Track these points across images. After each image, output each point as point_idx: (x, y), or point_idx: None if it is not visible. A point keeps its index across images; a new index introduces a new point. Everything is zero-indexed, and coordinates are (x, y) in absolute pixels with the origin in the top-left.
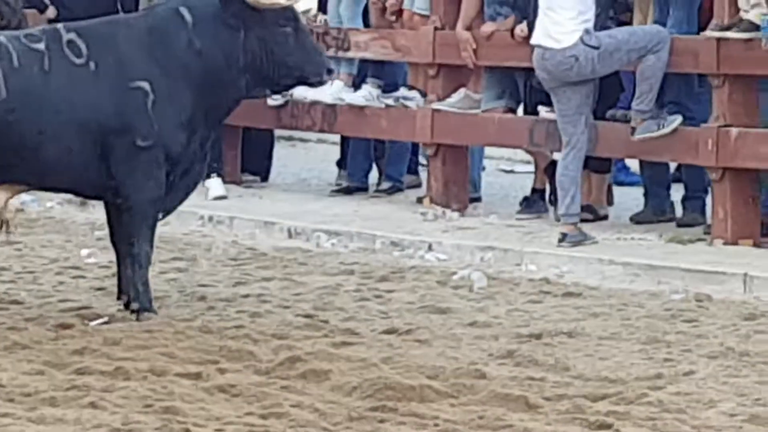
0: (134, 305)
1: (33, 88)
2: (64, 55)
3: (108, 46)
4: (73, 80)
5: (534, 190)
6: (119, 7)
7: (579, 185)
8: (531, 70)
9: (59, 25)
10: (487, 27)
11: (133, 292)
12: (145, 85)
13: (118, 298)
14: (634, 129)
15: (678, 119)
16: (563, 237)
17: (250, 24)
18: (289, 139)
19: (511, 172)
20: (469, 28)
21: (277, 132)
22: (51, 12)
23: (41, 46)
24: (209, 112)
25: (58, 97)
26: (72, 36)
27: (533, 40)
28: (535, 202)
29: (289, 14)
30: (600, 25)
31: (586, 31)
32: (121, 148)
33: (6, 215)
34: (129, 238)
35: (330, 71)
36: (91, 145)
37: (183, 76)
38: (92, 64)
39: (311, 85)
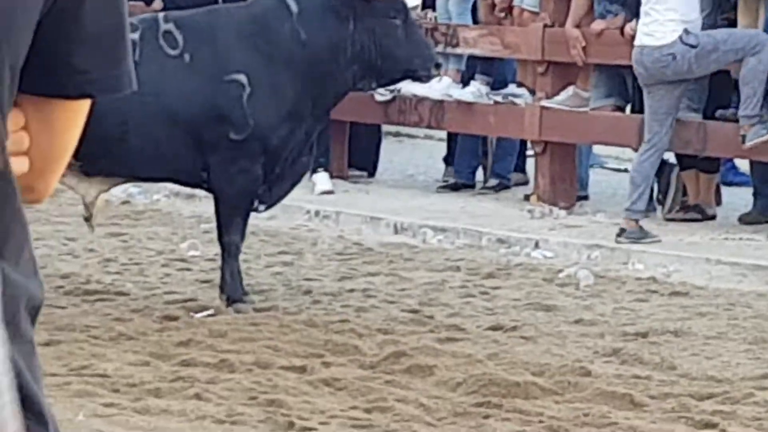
0: (222, 296)
1: None
2: (158, 46)
3: (205, 37)
4: (165, 72)
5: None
6: None
7: (650, 183)
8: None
9: (160, 15)
10: (597, 25)
11: (222, 283)
12: (242, 77)
13: (222, 292)
14: (744, 136)
15: None
16: (621, 232)
17: (360, 14)
18: (396, 135)
19: (625, 171)
20: (578, 26)
21: (385, 128)
22: (157, 4)
23: (135, 36)
24: (315, 103)
25: (145, 88)
26: (170, 26)
27: (636, 40)
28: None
29: (398, 6)
30: (710, 24)
31: (686, 31)
32: (213, 140)
33: (93, 209)
34: (221, 228)
35: (438, 65)
36: (181, 136)
37: (286, 67)
38: (187, 56)
39: (418, 79)
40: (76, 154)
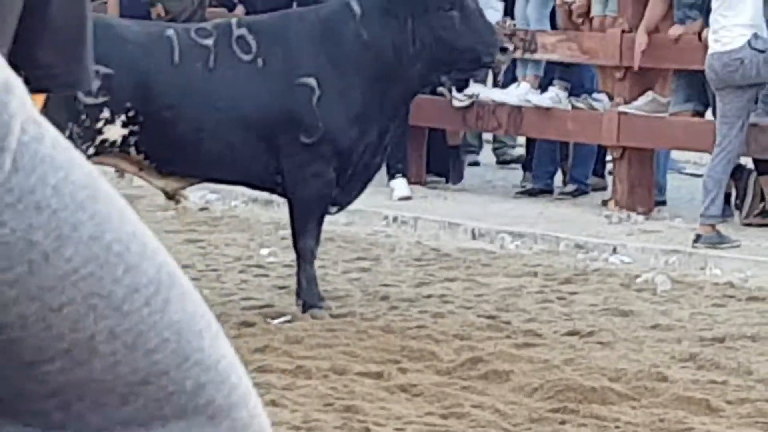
0: (299, 300)
1: (193, 84)
2: (232, 51)
3: (278, 41)
4: (239, 77)
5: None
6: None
7: (723, 188)
8: None
9: (233, 20)
10: (675, 30)
11: (298, 288)
12: (311, 81)
13: (298, 297)
14: None
15: None
16: (698, 238)
17: (417, 12)
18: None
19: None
20: (656, 31)
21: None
22: (240, 11)
23: (209, 41)
24: (383, 104)
25: (219, 94)
26: (243, 31)
27: (709, 47)
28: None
29: None
30: None
31: (755, 35)
32: (286, 144)
33: (179, 198)
34: (295, 233)
35: (504, 50)
36: (255, 141)
37: (352, 69)
38: (260, 61)
39: (485, 65)
40: (150, 156)
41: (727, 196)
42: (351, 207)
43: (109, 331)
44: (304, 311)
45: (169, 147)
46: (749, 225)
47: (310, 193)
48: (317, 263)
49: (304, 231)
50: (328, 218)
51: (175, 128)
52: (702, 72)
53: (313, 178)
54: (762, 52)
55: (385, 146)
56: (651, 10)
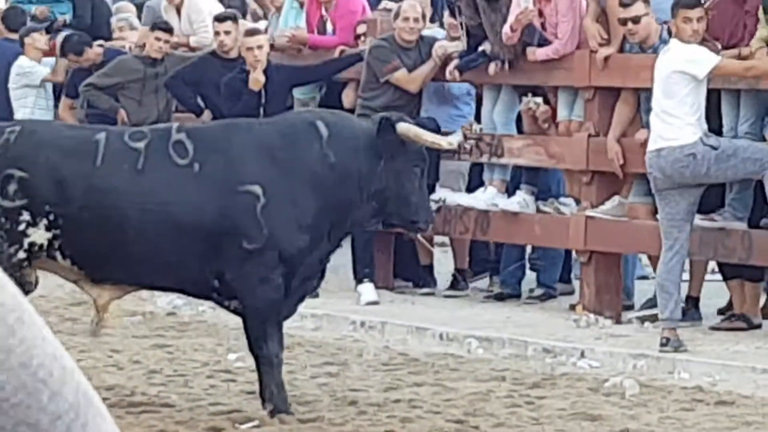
0: (268, 406)
1: (116, 187)
2: (167, 155)
3: (218, 148)
4: (171, 180)
5: (689, 298)
6: (262, 111)
7: (680, 289)
8: None
9: (173, 125)
10: (641, 134)
11: (267, 394)
12: (256, 188)
13: (263, 405)
14: None
15: None
16: (667, 341)
17: (394, 155)
18: (442, 245)
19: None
20: (624, 135)
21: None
22: (207, 116)
23: (140, 144)
24: (333, 227)
25: (148, 197)
26: (181, 136)
27: (649, 148)
28: (689, 311)
29: (422, 156)
30: (755, 132)
31: (705, 133)
32: (227, 250)
33: (102, 315)
34: (255, 341)
35: (428, 224)
36: (187, 245)
37: (310, 183)
38: (196, 165)
39: (412, 230)
40: (77, 261)
41: (696, 300)
42: (319, 311)
43: None
44: (272, 416)
45: (95, 252)
46: (717, 329)
47: (261, 300)
48: (285, 368)
49: (266, 338)
50: (295, 323)
51: (98, 231)
52: None
53: (260, 284)
54: (714, 149)
55: (323, 269)
56: (618, 116)
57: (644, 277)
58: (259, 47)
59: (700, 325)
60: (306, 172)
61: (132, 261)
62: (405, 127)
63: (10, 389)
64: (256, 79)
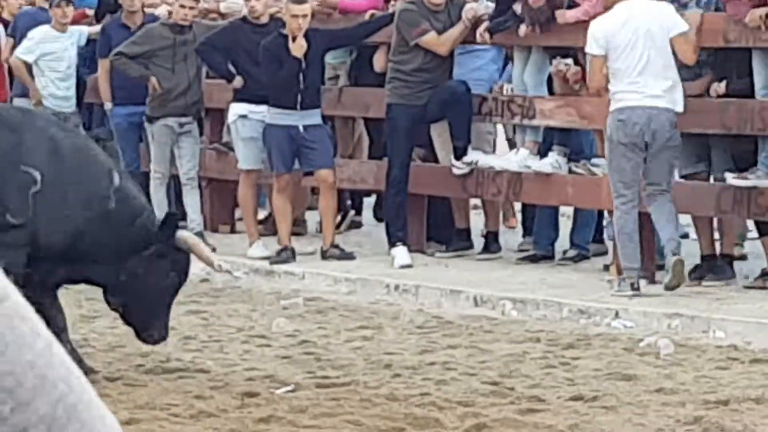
0: None
1: None
2: None
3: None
4: None
5: (722, 255)
6: (302, 77)
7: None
8: (724, 135)
9: None
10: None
11: None
12: (36, 174)
13: None
14: None
15: None
16: (620, 283)
17: (163, 252)
18: (475, 207)
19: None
20: None
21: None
22: (238, 82)
23: None
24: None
25: None
26: None
27: (641, 103)
28: (715, 267)
29: (186, 268)
30: None
31: None
32: None
33: None
34: None
35: (156, 342)
36: None
37: (87, 204)
38: None
39: (140, 339)
40: None
41: (730, 258)
42: (353, 276)
43: None
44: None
45: None
46: (751, 287)
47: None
48: (321, 332)
49: None
50: (330, 288)
51: None
52: (706, 135)
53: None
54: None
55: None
56: None
57: (685, 236)
58: (304, 16)
59: (735, 283)
60: (86, 188)
61: None
62: (185, 236)
63: None
64: (300, 45)
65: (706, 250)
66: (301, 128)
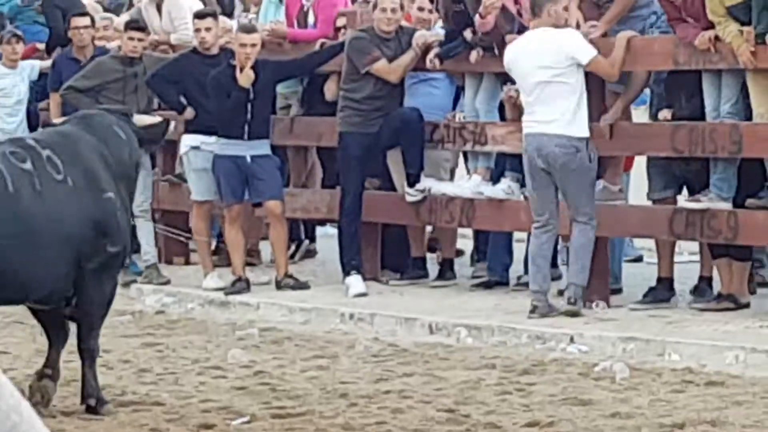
0: (91, 400)
1: None
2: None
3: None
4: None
5: (659, 279)
6: (249, 107)
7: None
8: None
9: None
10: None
11: (89, 389)
12: (112, 195)
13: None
14: None
15: None
16: (534, 309)
17: None
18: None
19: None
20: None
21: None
22: (189, 113)
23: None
24: None
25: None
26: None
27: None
28: (659, 292)
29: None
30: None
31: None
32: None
33: None
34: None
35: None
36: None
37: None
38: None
39: None
40: None
41: (708, 280)
42: (308, 305)
43: None
44: (99, 408)
45: None
46: (705, 310)
47: (108, 298)
48: (276, 362)
49: (94, 332)
50: (285, 317)
51: None
52: (670, 158)
53: (110, 282)
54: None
55: None
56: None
57: (639, 259)
58: (253, 45)
59: (671, 305)
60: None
61: None
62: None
63: None
64: (247, 75)
65: (663, 273)
66: (248, 158)
